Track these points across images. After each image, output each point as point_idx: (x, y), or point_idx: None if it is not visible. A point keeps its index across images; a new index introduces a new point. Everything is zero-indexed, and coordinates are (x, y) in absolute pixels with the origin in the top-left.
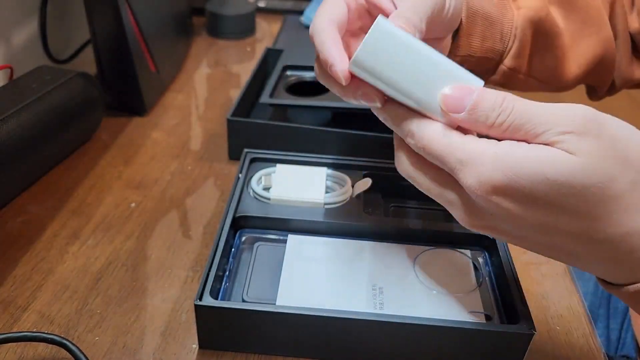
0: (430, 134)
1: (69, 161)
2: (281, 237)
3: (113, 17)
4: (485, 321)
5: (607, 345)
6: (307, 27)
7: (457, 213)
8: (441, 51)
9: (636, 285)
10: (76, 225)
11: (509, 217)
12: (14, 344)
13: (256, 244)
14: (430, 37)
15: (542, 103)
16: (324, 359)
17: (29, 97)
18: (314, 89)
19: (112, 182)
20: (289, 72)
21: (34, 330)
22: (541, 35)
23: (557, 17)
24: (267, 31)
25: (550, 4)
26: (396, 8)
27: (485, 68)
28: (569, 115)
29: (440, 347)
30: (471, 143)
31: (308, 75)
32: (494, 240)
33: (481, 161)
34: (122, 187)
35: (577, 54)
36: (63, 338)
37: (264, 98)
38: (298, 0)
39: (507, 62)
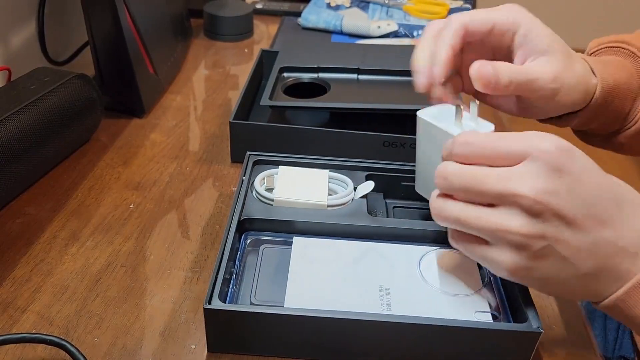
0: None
1: (67, 162)
2: (286, 239)
3: (111, 19)
4: (492, 320)
5: (604, 346)
6: (305, 28)
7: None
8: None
9: (608, 300)
10: (75, 227)
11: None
12: (14, 345)
13: (262, 247)
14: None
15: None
16: None
17: (28, 99)
18: (311, 90)
19: (111, 184)
20: (286, 74)
21: (34, 331)
22: None
23: None
24: (264, 33)
25: None
26: None
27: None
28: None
29: (449, 346)
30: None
31: (305, 76)
32: None
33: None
34: (121, 189)
35: None
36: (62, 339)
37: (264, 100)
38: (295, 2)
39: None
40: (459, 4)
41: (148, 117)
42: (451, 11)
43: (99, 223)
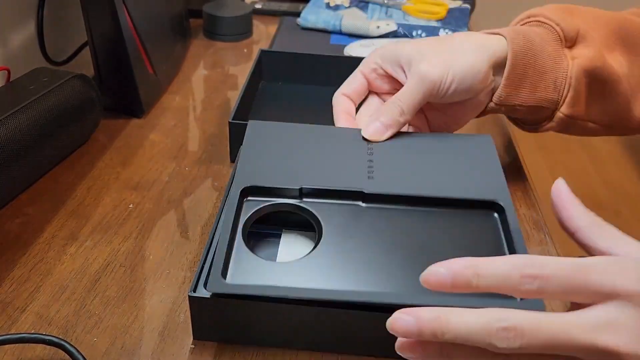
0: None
1: (66, 163)
2: (276, 232)
3: (110, 19)
4: None
5: None
6: (304, 28)
7: None
8: (473, 108)
9: None
10: (74, 227)
11: None
12: (12, 345)
13: (251, 241)
14: (458, 100)
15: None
16: (315, 350)
17: (27, 99)
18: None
19: (110, 184)
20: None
21: (32, 331)
22: (598, 83)
23: (619, 63)
24: (264, 33)
25: (612, 50)
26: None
27: (540, 116)
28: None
29: None
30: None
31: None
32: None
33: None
34: (120, 189)
35: None
36: (61, 339)
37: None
38: (295, 2)
39: (564, 109)
40: (458, 3)
41: (147, 117)
42: (450, 11)
43: (97, 223)
